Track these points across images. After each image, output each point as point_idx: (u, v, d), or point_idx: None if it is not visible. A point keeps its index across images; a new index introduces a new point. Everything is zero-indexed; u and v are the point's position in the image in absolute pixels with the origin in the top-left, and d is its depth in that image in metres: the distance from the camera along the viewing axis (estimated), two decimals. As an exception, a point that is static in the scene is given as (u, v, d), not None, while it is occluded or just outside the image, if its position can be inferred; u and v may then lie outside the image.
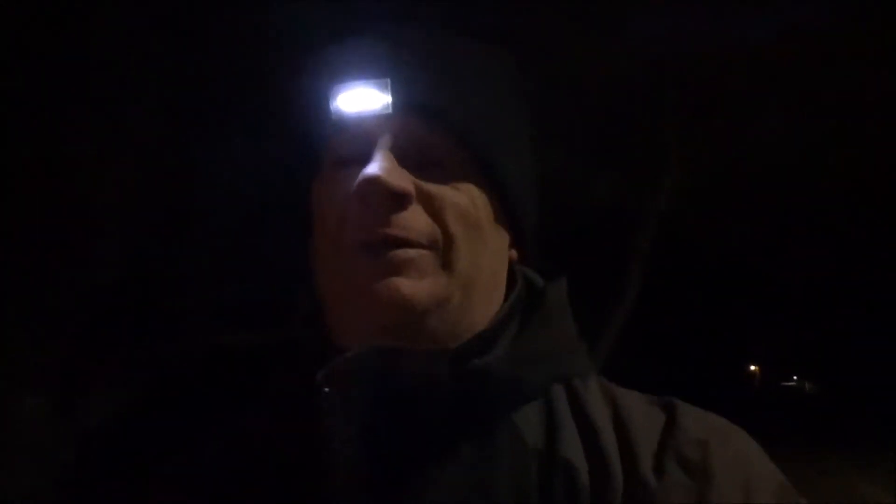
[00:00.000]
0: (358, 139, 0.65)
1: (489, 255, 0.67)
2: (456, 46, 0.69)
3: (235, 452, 0.68)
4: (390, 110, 0.63)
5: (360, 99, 0.63)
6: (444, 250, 0.63)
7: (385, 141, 0.63)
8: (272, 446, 0.67)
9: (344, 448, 0.62)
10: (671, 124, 6.47)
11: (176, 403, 0.75)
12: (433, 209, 0.64)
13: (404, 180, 0.63)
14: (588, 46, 5.74)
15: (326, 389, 0.63)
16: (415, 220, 0.63)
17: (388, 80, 0.63)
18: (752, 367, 23.88)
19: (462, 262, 0.64)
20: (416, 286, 0.62)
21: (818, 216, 7.62)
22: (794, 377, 24.56)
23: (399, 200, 0.62)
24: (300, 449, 0.64)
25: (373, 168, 0.61)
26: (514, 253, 0.72)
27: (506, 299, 0.70)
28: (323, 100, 0.65)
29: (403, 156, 0.63)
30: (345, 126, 0.65)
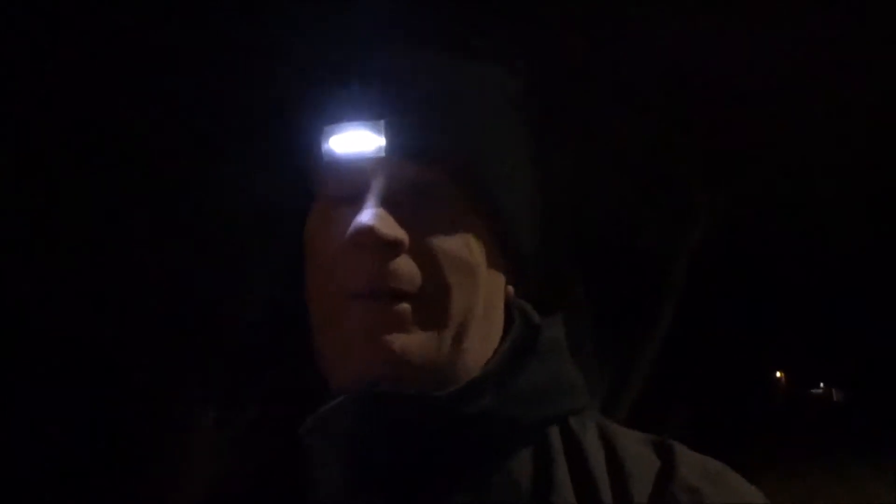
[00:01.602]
0: (351, 180, 0.64)
1: (483, 299, 0.66)
2: (452, 77, 0.67)
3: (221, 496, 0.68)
4: (384, 153, 0.62)
5: (353, 141, 0.62)
6: (435, 300, 0.63)
7: (378, 184, 0.63)
8: (259, 496, 0.66)
9: (336, 493, 0.61)
10: (699, 160, 6.58)
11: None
12: (426, 257, 0.63)
13: (397, 229, 0.62)
14: (615, 73, 5.83)
15: (311, 439, 0.62)
16: (407, 269, 0.62)
17: (383, 123, 0.62)
18: (779, 374, 23.71)
19: (454, 310, 0.63)
20: (407, 342, 0.62)
21: (846, 225, 7.59)
22: (822, 384, 24.30)
23: (392, 249, 0.62)
24: (288, 494, 0.64)
25: (366, 217, 0.61)
26: (510, 290, 0.71)
27: (503, 335, 0.69)
28: (315, 140, 0.64)
29: (396, 199, 0.63)
30: (337, 167, 0.64)
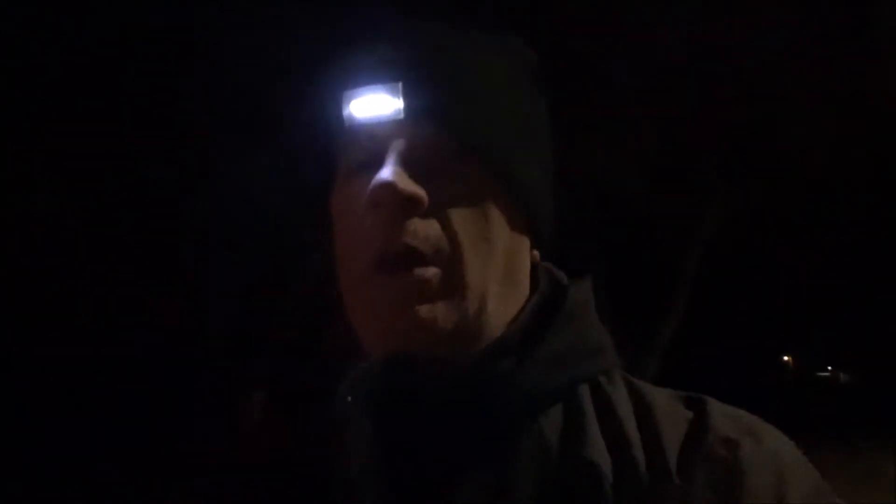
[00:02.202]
0: (371, 145, 0.64)
1: (504, 261, 0.66)
2: (469, 45, 0.68)
3: (257, 464, 0.69)
4: (402, 116, 0.62)
5: (372, 104, 0.63)
6: (453, 263, 0.63)
7: (397, 146, 0.63)
8: (296, 456, 0.67)
9: (368, 455, 0.62)
10: (716, 153, 6.86)
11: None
12: (444, 219, 0.63)
13: (416, 186, 0.62)
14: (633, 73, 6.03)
15: (349, 399, 0.65)
16: (424, 228, 0.63)
17: (400, 85, 0.62)
18: (786, 358, 23.73)
19: (472, 275, 0.64)
20: (432, 311, 0.62)
21: (852, 212, 7.69)
22: (829, 368, 24.32)
23: (412, 206, 0.62)
24: (324, 458, 0.65)
25: (385, 174, 0.61)
26: (536, 254, 0.71)
27: (529, 299, 0.69)
28: (335, 105, 0.65)
29: (416, 162, 0.63)
30: (357, 132, 0.64)
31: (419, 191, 0.62)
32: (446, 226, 0.63)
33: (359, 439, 0.63)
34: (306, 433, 0.68)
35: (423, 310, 0.62)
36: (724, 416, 0.65)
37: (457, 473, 0.61)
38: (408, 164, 0.62)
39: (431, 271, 0.62)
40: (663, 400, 0.67)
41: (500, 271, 0.65)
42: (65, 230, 7.32)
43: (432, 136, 0.64)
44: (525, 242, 0.69)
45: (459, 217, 0.63)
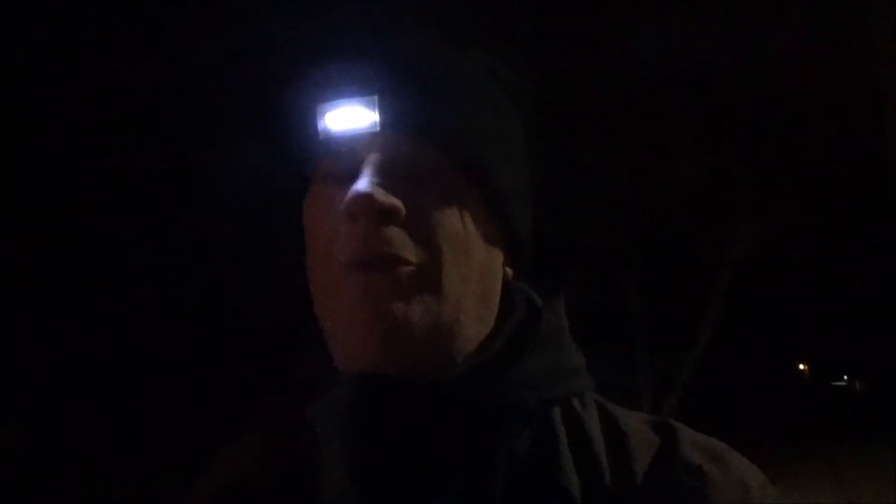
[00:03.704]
0: (346, 156, 0.64)
1: (478, 275, 0.66)
2: (445, 58, 0.68)
3: (229, 489, 0.68)
4: (378, 128, 0.62)
5: (348, 117, 0.63)
6: (431, 270, 0.63)
7: (373, 159, 0.63)
8: (267, 481, 0.67)
9: (342, 480, 0.61)
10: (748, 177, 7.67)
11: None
12: (421, 229, 0.63)
13: (393, 198, 0.62)
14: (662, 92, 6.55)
15: (317, 425, 0.64)
16: (402, 237, 0.62)
17: (376, 98, 0.62)
18: (802, 367, 23.67)
19: (449, 282, 0.63)
20: (408, 310, 0.62)
21: (868, 220, 7.83)
22: (845, 377, 24.25)
23: (388, 217, 0.62)
24: (294, 484, 0.64)
25: (362, 185, 0.61)
26: (509, 271, 0.70)
27: (500, 317, 0.68)
28: (310, 118, 0.64)
29: (392, 174, 0.63)
30: (333, 143, 0.64)
31: (396, 202, 0.61)
32: (424, 236, 0.62)
33: (331, 459, 0.62)
34: (280, 459, 0.66)
35: (398, 308, 0.61)
36: (693, 444, 0.66)
37: (431, 494, 0.60)
38: (385, 175, 0.62)
39: (408, 271, 0.62)
40: (634, 424, 0.67)
41: (476, 284, 0.65)
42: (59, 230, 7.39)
43: (409, 147, 0.63)
44: (499, 259, 0.69)
45: (438, 228, 0.63)
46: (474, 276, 0.65)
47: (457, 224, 0.64)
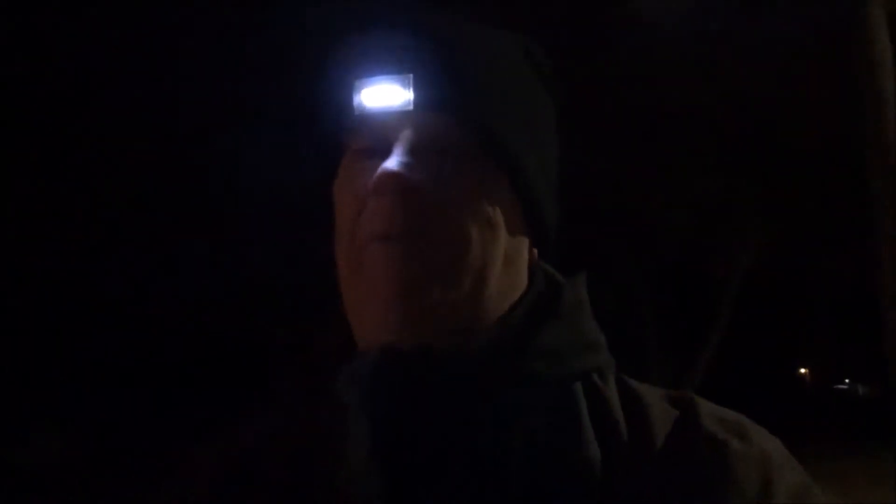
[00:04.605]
0: (378, 133, 0.65)
1: (502, 252, 0.66)
2: (481, 39, 0.68)
3: (251, 464, 0.67)
4: (411, 107, 0.63)
5: (382, 94, 0.63)
6: (454, 246, 0.63)
7: (405, 136, 0.63)
8: (291, 456, 0.66)
9: (368, 451, 0.61)
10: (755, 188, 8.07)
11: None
12: (447, 206, 0.63)
13: (422, 176, 0.63)
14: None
15: (343, 396, 0.64)
16: (430, 215, 0.63)
17: (410, 77, 0.63)
18: (803, 370, 23.64)
19: (473, 259, 0.64)
20: (430, 283, 0.62)
21: (867, 223, 7.86)
22: (847, 380, 24.21)
23: (416, 196, 0.62)
24: (322, 457, 0.63)
25: (391, 163, 0.62)
26: (534, 252, 0.71)
27: (524, 294, 0.69)
28: (345, 94, 0.65)
29: (423, 152, 0.63)
30: (366, 120, 0.65)
31: (424, 181, 0.63)
32: (450, 213, 0.63)
33: (357, 430, 0.62)
34: (303, 433, 0.66)
35: (420, 280, 0.62)
36: (713, 416, 0.66)
37: (452, 464, 0.61)
38: (414, 154, 0.63)
39: (431, 244, 0.62)
40: (654, 398, 0.68)
41: (500, 261, 0.66)
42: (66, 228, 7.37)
43: (440, 127, 0.64)
44: (525, 239, 0.70)
45: (464, 206, 0.64)
46: (498, 253, 0.65)
47: (483, 203, 0.64)
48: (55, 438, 8.81)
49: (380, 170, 0.62)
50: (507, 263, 0.66)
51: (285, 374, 0.72)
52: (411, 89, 0.63)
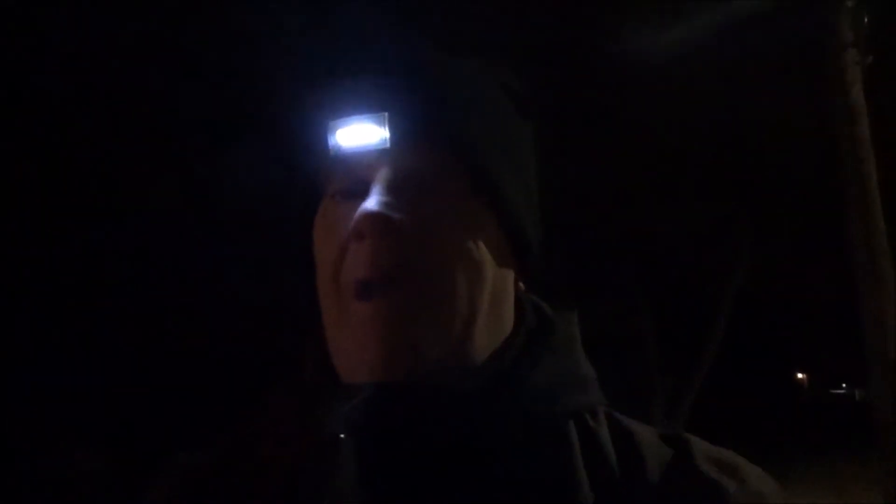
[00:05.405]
0: (357, 172, 0.64)
1: (490, 290, 0.65)
2: (455, 71, 0.67)
3: (232, 491, 0.67)
4: (388, 145, 0.62)
5: (359, 133, 0.62)
6: (441, 285, 0.62)
7: (383, 175, 0.63)
8: (279, 486, 0.65)
9: (356, 486, 0.61)
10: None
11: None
12: (430, 243, 0.62)
13: (402, 215, 0.62)
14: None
15: (337, 428, 0.62)
16: (411, 254, 0.62)
17: (386, 115, 0.62)
18: (800, 375, 23.68)
19: (460, 300, 0.63)
20: (416, 331, 0.61)
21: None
22: (844, 385, 24.26)
23: (397, 236, 0.61)
24: (309, 489, 0.63)
25: (371, 204, 0.61)
26: (520, 285, 0.71)
27: (514, 330, 0.68)
28: (321, 135, 0.64)
29: (402, 189, 0.63)
30: (343, 161, 0.64)
31: (404, 220, 0.62)
32: (434, 250, 0.62)
33: (347, 470, 0.62)
34: (292, 463, 0.65)
35: (406, 330, 0.61)
36: (707, 456, 0.65)
37: (445, 503, 0.60)
38: (394, 191, 0.62)
39: (413, 294, 0.61)
40: (647, 438, 0.67)
41: (487, 298, 0.65)
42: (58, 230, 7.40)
43: (418, 163, 0.63)
44: (511, 272, 0.69)
45: (447, 242, 0.63)
46: (486, 288, 0.64)
47: (467, 237, 0.64)
48: (81, 449, 8.88)
49: (359, 212, 0.61)
50: (493, 299, 0.66)
51: (276, 391, 0.71)
52: (387, 127, 0.62)
